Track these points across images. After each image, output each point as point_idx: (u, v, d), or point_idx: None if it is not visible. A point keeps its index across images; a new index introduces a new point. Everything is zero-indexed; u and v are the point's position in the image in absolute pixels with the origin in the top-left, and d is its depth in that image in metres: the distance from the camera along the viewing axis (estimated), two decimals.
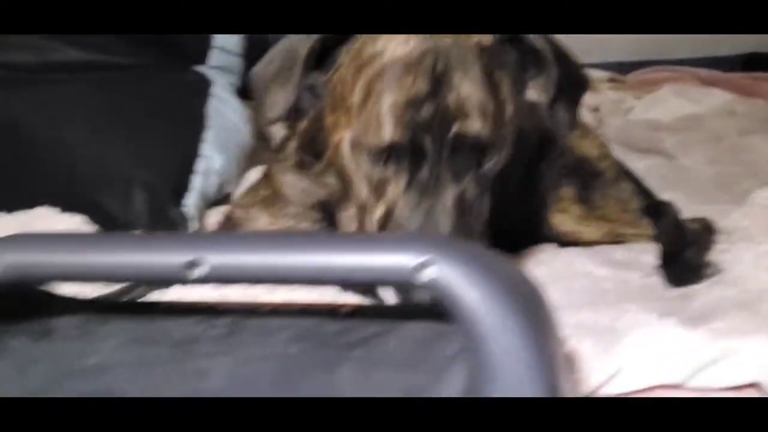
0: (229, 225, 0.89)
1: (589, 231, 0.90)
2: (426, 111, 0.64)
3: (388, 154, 0.65)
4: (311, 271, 0.35)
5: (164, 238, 0.40)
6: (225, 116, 1.22)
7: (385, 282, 0.34)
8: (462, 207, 0.65)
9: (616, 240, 0.91)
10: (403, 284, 0.33)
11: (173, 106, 1.16)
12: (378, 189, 0.67)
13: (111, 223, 1.00)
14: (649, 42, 1.85)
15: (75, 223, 1.02)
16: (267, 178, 0.88)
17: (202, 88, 1.22)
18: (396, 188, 0.66)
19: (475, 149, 0.65)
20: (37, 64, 1.11)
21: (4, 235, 0.41)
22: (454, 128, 0.64)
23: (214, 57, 1.28)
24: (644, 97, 1.67)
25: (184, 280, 0.37)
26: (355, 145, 0.68)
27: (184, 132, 1.14)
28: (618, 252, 0.87)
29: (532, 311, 0.33)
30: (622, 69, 1.87)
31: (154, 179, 1.06)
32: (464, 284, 0.32)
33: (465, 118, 0.64)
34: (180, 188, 1.08)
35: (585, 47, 1.81)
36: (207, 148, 1.15)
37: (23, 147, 1.06)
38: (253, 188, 0.89)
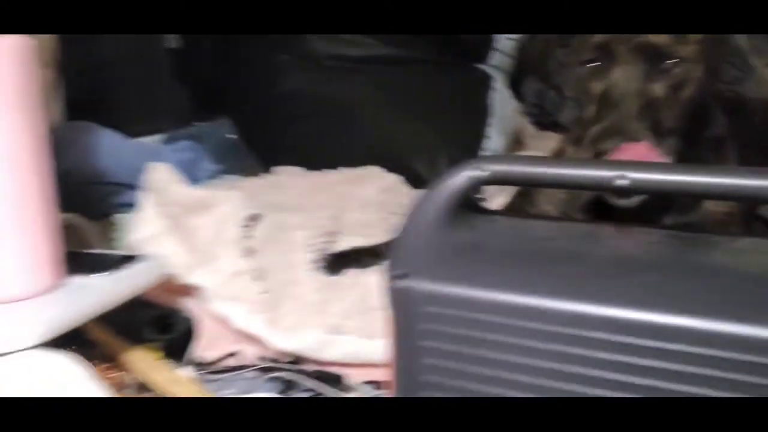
0: (522, 191, 1.11)
1: None
2: None
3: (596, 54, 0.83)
4: (705, 187, 0.55)
5: (599, 161, 0.62)
6: (503, 107, 1.46)
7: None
8: (650, 101, 0.80)
9: None
10: None
11: (467, 95, 1.42)
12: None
13: (420, 183, 1.28)
14: None
15: (393, 180, 1.30)
16: (559, 152, 1.09)
17: (487, 82, 1.47)
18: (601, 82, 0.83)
19: (658, 55, 0.80)
20: (362, 56, 1.42)
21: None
22: (640, 38, 0.80)
23: (495, 57, 1.52)
24: None
25: (611, 188, 0.59)
26: None
27: (475, 117, 1.40)
28: None
29: None
30: None
31: (455, 151, 1.32)
32: None
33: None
34: None
35: None
36: (492, 131, 1.40)
37: (355, 121, 1.37)
38: None
